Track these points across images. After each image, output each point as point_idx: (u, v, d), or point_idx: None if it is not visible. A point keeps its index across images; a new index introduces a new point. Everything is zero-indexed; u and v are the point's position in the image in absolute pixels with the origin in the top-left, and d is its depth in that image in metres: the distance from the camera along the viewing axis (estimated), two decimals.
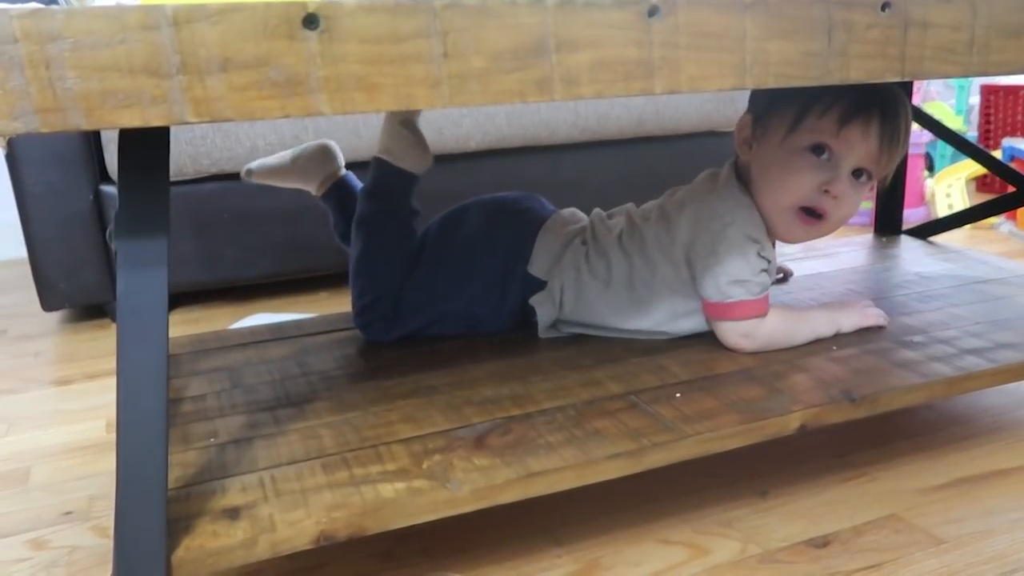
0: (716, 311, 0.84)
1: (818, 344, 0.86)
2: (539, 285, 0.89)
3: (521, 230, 0.90)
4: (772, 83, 0.55)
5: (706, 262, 0.83)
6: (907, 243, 1.27)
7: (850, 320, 0.89)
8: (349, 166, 0.95)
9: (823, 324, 0.87)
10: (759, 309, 0.83)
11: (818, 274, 1.11)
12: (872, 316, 0.90)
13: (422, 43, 0.46)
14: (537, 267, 0.88)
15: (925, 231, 1.30)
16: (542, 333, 0.90)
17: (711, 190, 0.86)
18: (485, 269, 0.88)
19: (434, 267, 0.89)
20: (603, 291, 0.87)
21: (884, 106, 0.81)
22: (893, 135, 0.81)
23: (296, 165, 0.95)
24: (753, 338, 0.84)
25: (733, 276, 0.82)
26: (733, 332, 0.84)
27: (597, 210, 0.94)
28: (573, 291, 0.88)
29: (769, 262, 0.84)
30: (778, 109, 0.83)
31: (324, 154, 0.96)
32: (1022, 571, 0.70)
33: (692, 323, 0.87)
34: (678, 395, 0.76)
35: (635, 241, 0.87)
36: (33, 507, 0.88)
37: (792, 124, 0.81)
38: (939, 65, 0.59)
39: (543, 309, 0.89)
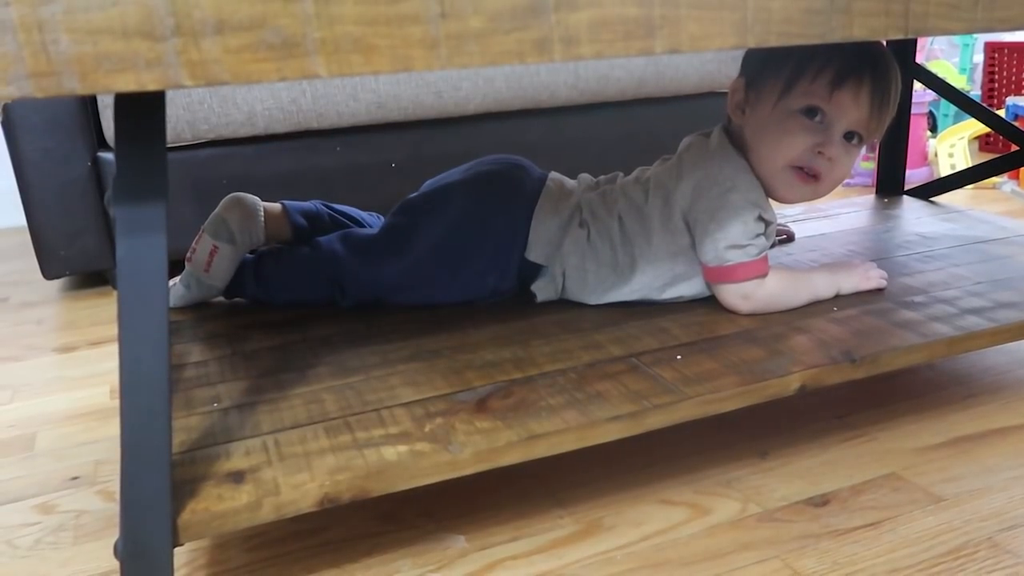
0: (715, 275, 0.84)
1: (818, 305, 0.86)
2: (537, 269, 0.88)
3: (512, 215, 0.87)
4: (774, 42, 0.54)
5: (706, 228, 0.83)
6: (909, 203, 1.26)
7: (850, 282, 0.89)
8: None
9: (823, 286, 0.88)
10: (759, 270, 0.83)
11: (820, 235, 1.11)
12: (873, 278, 0.90)
13: (419, 3, 0.46)
14: (536, 253, 0.87)
15: (927, 191, 1.29)
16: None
17: (706, 156, 0.85)
18: (478, 258, 0.87)
19: (421, 256, 0.87)
20: (610, 275, 0.87)
21: (874, 69, 0.81)
22: (883, 99, 0.82)
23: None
24: (752, 299, 0.84)
25: (731, 241, 0.82)
26: (733, 294, 0.84)
27: (583, 179, 0.92)
28: (578, 277, 0.87)
29: (768, 224, 0.84)
30: (771, 73, 0.83)
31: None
32: (1019, 527, 0.71)
33: (691, 287, 0.87)
34: (679, 357, 0.76)
35: (639, 221, 0.86)
36: (39, 472, 0.89)
37: (784, 88, 0.82)
38: (943, 21, 0.58)
39: (544, 293, 0.89)
